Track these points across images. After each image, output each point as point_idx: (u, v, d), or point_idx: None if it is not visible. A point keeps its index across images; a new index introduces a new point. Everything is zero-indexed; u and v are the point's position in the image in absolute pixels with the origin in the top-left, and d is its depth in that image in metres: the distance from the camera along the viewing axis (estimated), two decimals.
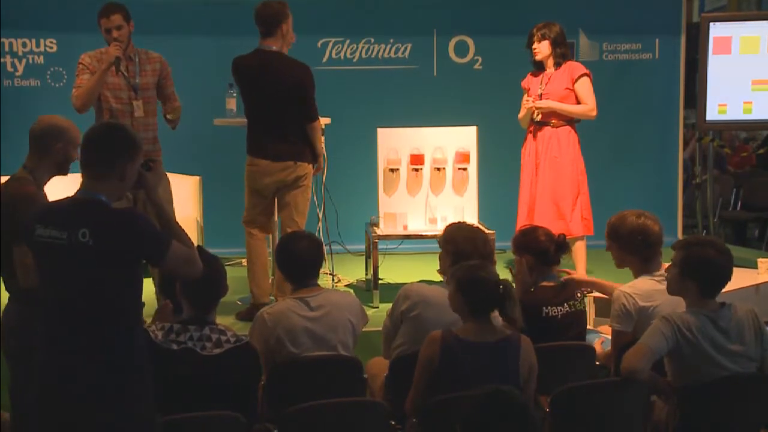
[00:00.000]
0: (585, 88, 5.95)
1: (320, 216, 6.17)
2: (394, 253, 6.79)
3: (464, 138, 6.05)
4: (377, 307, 5.64)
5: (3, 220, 3.53)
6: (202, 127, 6.35)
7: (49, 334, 2.84)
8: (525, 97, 6.05)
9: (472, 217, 5.85)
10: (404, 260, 6.86)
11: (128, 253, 2.79)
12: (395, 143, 6.04)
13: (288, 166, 5.32)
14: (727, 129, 9.75)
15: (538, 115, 5.99)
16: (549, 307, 4.00)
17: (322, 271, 4.11)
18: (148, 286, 3.61)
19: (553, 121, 5.97)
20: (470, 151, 6.02)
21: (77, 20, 6.77)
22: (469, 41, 7.68)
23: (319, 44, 7.41)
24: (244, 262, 5.83)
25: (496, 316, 3.53)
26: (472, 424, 2.71)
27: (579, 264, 5.99)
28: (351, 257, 6.96)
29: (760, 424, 3.63)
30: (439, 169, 6.04)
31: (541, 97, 5.95)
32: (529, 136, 6.08)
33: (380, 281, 5.90)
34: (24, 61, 7.30)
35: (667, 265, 3.74)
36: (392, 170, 6.03)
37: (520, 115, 6.09)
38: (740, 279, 4.78)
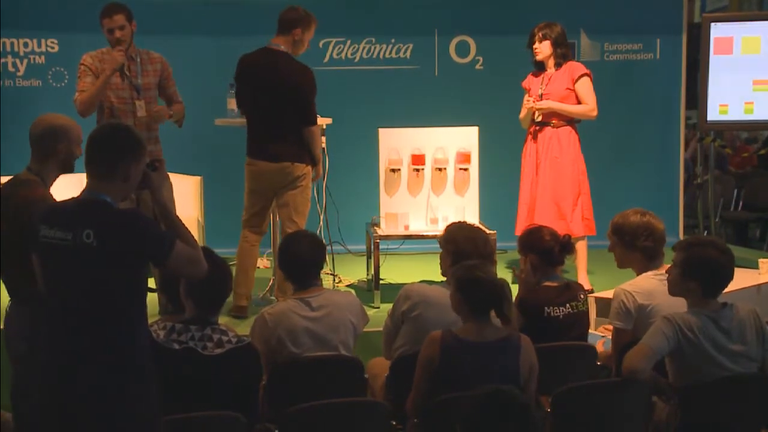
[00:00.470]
0: (585, 88, 5.95)
1: (321, 216, 6.17)
2: (395, 254, 6.79)
3: (465, 138, 6.05)
4: (378, 308, 5.64)
5: (14, 224, 3.49)
6: (203, 127, 6.34)
7: (52, 335, 2.84)
8: (526, 97, 6.05)
9: (473, 217, 5.85)
10: (405, 260, 6.86)
11: (132, 253, 2.79)
12: (396, 143, 6.04)
13: (285, 167, 5.32)
14: (729, 129, 9.75)
15: (538, 115, 5.99)
16: (551, 308, 4.01)
17: (323, 271, 4.10)
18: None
19: (553, 121, 5.97)
20: (471, 151, 6.02)
21: (78, 20, 6.77)
22: (471, 41, 7.68)
23: (320, 44, 7.40)
24: None
25: (493, 315, 3.53)
26: (473, 424, 2.71)
27: (580, 264, 5.99)
28: (352, 257, 6.97)
29: (761, 424, 3.63)
30: (440, 170, 6.03)
31: (541, 97, 5.95)
32: (530, 137, 6.08)
33: (381, 281, 5.90)
34: (25, 61, 7.30)
35: (668, 266, 3.74)
36: (393, 170, 6.02)
37: (521, 115, 6.09)
38: (742, 279, 4.77)
